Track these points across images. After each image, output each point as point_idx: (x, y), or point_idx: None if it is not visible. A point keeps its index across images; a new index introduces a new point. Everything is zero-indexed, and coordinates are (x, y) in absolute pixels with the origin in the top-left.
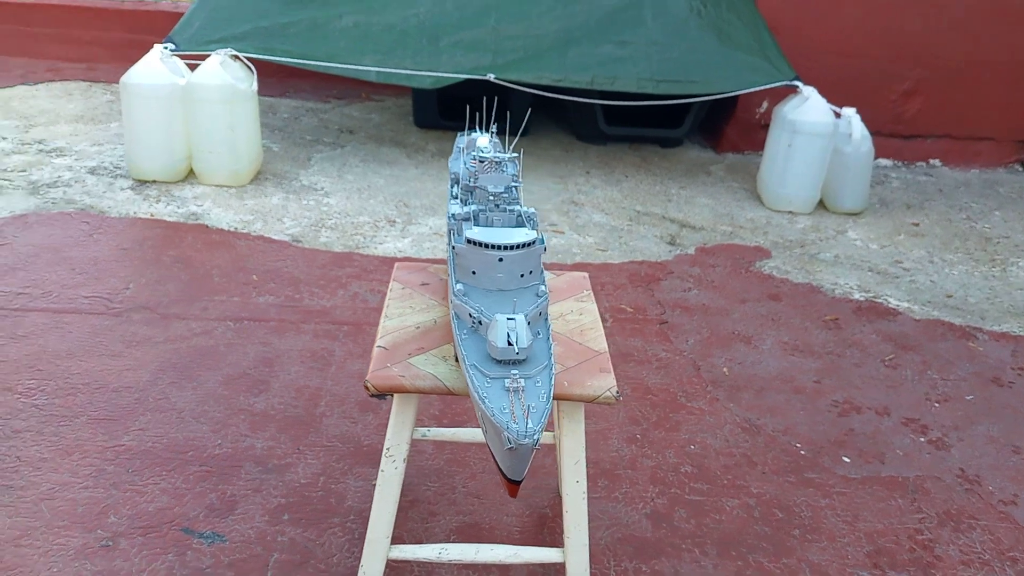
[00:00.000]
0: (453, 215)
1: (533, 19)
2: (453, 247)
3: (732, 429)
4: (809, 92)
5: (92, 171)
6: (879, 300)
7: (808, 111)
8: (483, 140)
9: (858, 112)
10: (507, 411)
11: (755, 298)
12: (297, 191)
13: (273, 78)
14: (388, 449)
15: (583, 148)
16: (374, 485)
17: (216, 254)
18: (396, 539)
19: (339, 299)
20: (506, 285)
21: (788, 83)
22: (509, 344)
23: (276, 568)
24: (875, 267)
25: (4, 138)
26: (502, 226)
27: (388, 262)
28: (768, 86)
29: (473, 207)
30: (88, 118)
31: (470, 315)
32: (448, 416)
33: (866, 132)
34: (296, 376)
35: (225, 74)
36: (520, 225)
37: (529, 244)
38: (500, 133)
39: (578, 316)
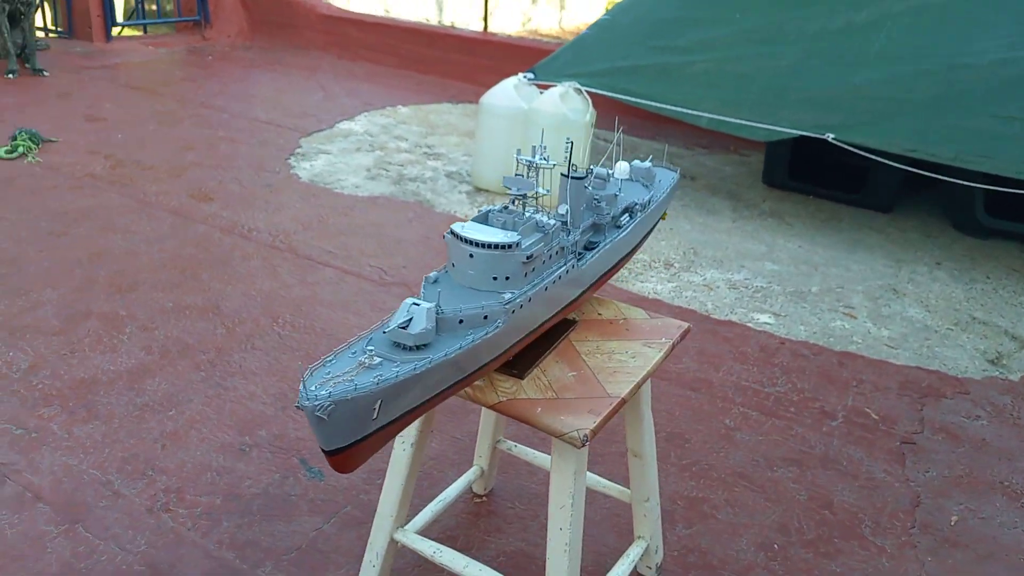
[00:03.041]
0: (478, 211)
1: (906, 80)
2: (444, 236)
3: None
4: None
5: (448, 175)
6: None
7: None
8: (622, 164)
9: None
10: (330, 376)
11: None
12: None
13: (648, 121)
14: (401, 434)
15: (951, 238)
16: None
17: None
18: (449, 540)
19: None
20: (477, 284)
21: None
22: (400, 328)
23: (339, 517)
24: None
25: (406, 139)
26: (500, 227)
27: (636, 300)
28: None
29: (490, 207)
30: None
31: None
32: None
33: None
34: None
35: (561, 104)
36: (530, 231)
37: (502, 247)
38: (856, 204)
39: (627, 358)
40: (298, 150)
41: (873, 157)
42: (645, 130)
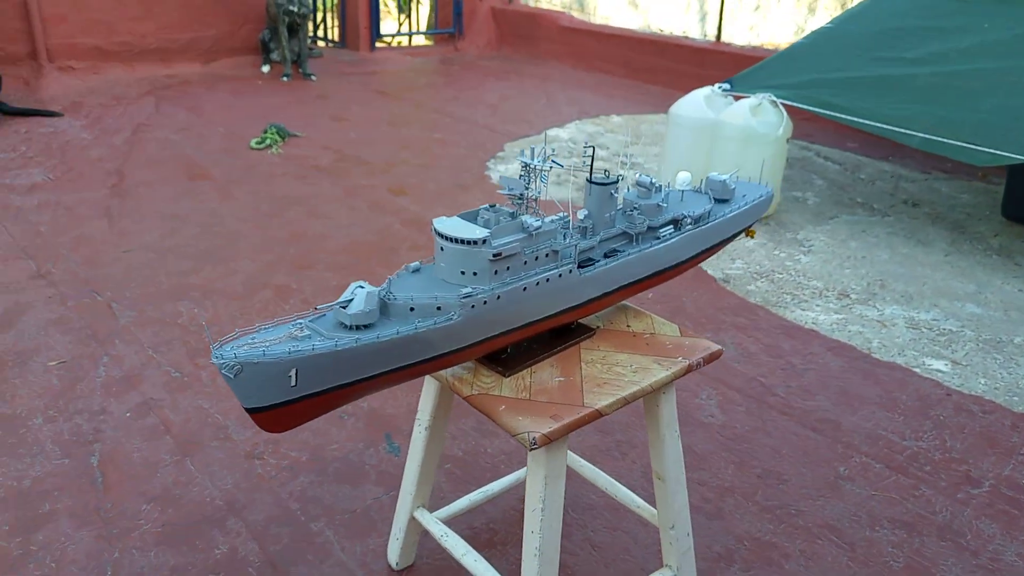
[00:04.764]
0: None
1: None
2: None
3: None
4: None
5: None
6: None
7: None
8: (683, 175)
9: None
10: (255, 342)
11: None
12: (781, 241)
13: (884, 140)
14: (418, 417)
15: None
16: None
17: None
18: (488, 532)
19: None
20: (448, 277)
21: None
22: (340, 307)
23: (398, 491)
24: None
25: (607, 148)
26: (483, 224)
27: (787, 328)
28: None
29: (485, 205)
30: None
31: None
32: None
33: None
34: None
35: (750, 117)
36: (510, 231)
37: (468, 242)
38: None
39: (628, 372)
40: (499, 153)
41: None
42: (878, 149)
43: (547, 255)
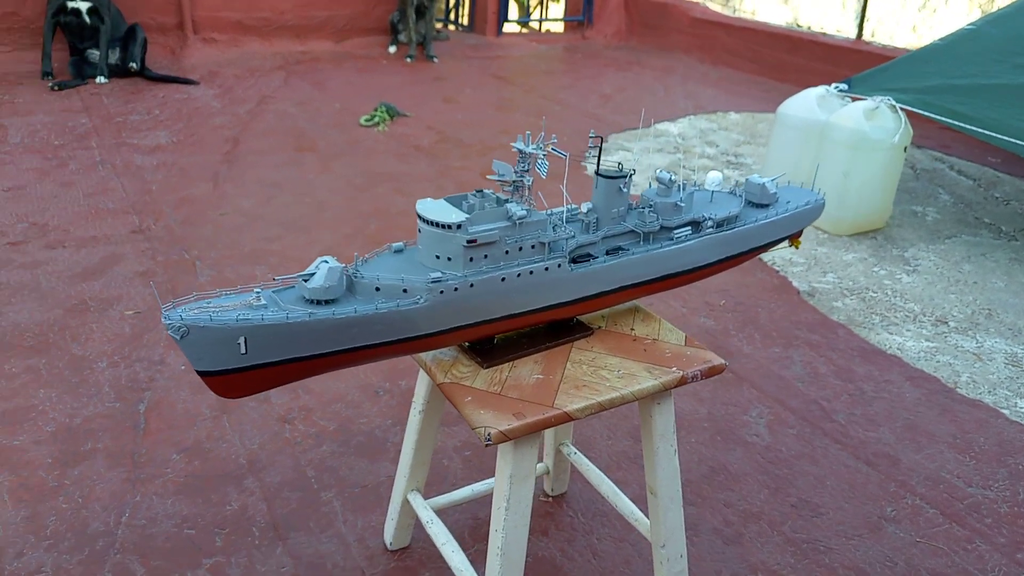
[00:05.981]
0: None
1: None
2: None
3: None
4: None
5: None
6: None
7: None
8: (714, 173)
9: None
10: (209, 307)
11: None
12: (884, 257)
13: None
14: (413, 400)
15: None
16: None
17: (739, 276)
18: (488, 525)
19: (755, 351)
20: (425, 260)
21: None
22: (303, 280)
23: None
24: None
25: (716, 146)
26: (467, 209)
27: (867, 352)
28: None
29: (474, 191)
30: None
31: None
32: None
33: None
34: None
35: (863, 120)
36: (492, 219)
37: (442, 226)
38: None
39: (612, 377)
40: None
41: None
42: (1021, 166)
43: (533, 247)
